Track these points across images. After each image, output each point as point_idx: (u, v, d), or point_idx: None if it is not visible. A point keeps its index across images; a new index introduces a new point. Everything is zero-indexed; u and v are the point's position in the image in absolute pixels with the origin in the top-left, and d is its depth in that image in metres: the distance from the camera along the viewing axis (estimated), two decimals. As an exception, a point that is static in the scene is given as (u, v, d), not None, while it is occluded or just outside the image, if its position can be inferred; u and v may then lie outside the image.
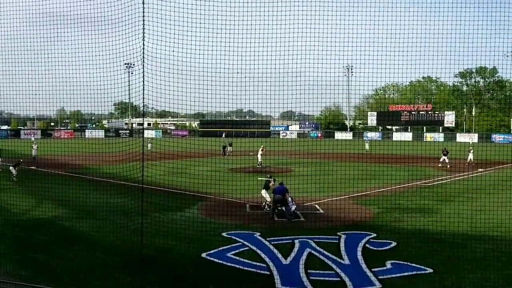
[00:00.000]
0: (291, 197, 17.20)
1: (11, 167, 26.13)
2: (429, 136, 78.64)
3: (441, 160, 33.87)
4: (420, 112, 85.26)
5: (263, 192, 18.08)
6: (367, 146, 49.66)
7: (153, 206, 16.63)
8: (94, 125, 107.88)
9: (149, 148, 35.68)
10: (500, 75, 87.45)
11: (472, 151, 35.27)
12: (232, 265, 11.70)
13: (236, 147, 44.80)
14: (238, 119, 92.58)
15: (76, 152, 28.27)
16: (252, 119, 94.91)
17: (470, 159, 35.00)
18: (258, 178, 19.21)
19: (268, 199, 17.88)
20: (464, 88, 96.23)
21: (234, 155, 41.70)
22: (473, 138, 69.12)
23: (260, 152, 34.62)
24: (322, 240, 13.60)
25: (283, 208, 16.80)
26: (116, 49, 11.69)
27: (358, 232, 14.71)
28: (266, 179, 19.29)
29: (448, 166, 32.70)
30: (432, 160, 33.71)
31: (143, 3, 10.25)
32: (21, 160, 28.03)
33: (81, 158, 27.64)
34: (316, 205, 19.05)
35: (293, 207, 17.08)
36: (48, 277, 10.78)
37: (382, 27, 13.19)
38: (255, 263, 11.77)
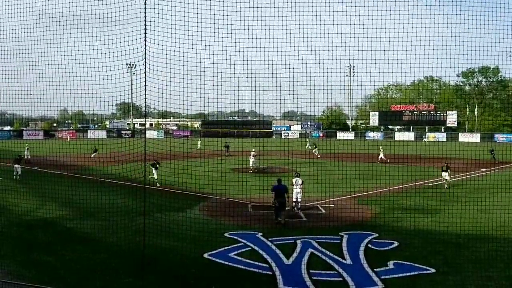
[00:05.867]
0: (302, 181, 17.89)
1: (16, 165, 26.25)
2: (431, 136, 78.48)
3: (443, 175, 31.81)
4: (422, 112, 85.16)
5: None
6: (308, 145, 48.07)
7: (155, 206, 16.65)
8: (96, 126, 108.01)
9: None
10: (503, 74, 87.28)
11: (381, 149, 37.41)
12: (234, 265, 11.70)
13: (234, 148, 44.66)
14: (240, 119, 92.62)
15: (79, 153, 28.35)
16: (254, 119, 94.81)
17: (381, 158, 36.65)
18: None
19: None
20: (467, 87, 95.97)
21: (232, 155, 41.36)
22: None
23: (252, 158, 31.73)
24: (324, 240, 13.58)
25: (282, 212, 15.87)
26: (118, 49, 11.71)
27: (360, 232, 14.69)
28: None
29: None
30: (433, 159, 33.60)
31: (145, 4, 10.27)
32: (20, 155, 28.02)
33: (83, 159, 27.75)
34: (318, 205, 19.04)
35: (299, 198, 17.66)
36: (51, 277, 10.79)
37: (384, 26, 13.17)
38: (257, 263, 11.76)
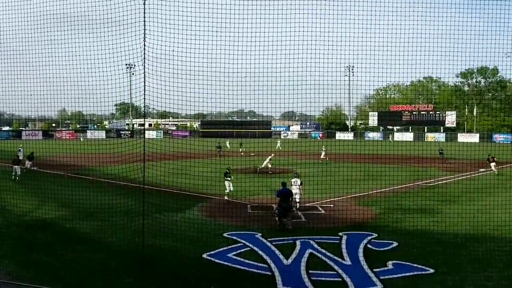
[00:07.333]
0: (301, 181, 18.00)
1: (15, 166, 26.22)
2: (430, 136, 78.55)
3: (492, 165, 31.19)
4: (421, 112, 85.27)
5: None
6: (278, 145, 49.28)
7: (154, 207, 16.65)
8: (95, 126, 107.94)
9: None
10: (501, 75, 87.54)
11: (324, 149, 38.67)
12: (234, 265, 11.70)
13: (232, 148, 44.77)
14: (239, 120, 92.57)
15: (78, 153, 28.32)
16: (253, 119, 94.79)
17: (323, 157, 38.03)
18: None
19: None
20: (465, 88, 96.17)
21: (225, 155, 41.09)
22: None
23: (268, 160, 31.04)
24: (323, 241, 13.59)
25: (287, 218, 15.64)
26: (117, 49, 11.73)
27: (360, 232, 14.70)
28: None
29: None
30: (433, 160, 33.66)
31: (144, 4, 10.28)
32: (18, 156, 27.86)
33: (82, 159, 27.64)
34: (318, 206, 19.05)
35: (297, 198, 17.65)
36: (50, 278, 10.79)
37: (383, 27, 13.20)
38: (256, 263, 11.76)
